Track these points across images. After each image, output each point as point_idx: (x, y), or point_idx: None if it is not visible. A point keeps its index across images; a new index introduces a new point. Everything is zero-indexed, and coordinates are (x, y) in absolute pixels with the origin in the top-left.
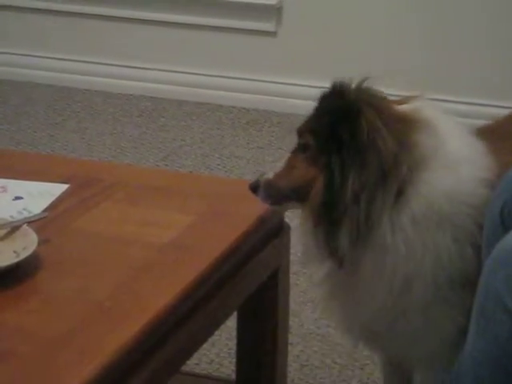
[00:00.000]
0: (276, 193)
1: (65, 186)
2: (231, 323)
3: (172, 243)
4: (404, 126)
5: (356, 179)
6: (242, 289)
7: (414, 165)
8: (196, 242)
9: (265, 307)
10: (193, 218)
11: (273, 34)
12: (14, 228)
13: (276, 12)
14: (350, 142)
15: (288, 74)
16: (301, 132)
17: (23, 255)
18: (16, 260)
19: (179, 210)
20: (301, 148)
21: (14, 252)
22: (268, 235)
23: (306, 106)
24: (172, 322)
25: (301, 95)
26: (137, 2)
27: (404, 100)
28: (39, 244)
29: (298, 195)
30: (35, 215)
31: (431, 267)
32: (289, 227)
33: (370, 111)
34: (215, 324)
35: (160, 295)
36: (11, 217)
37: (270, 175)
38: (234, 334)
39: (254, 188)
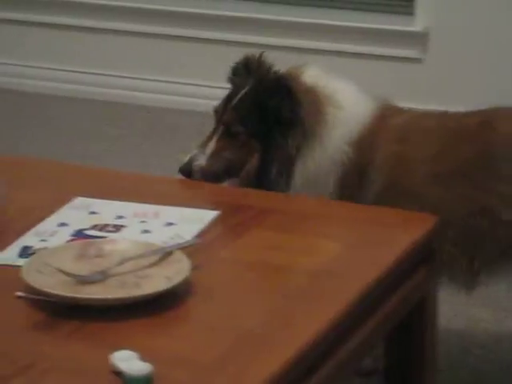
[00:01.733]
0: (211, 176)
1: (215, 213)
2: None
3: (322, 270)
4: (313, 98)
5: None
6: (391, 316)
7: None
8: (346, 269)
9: (412, 335)
10: (342, 245)
11: (419, 60)
12: (166, 254)
13: (422, 38)
14: (279, 118)
15: (435, 101)
16: (229, 121)
17: (176, 281)
18: (169, 285)
19: (329, 237)
20: (229, 134)
21: (167, 277)
22: (417, 262)
23: None
24: (322, 350)
25: None
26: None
27: (296, 70)
28: (191, 270)
29: (231, 175)
30: (188, 241)
31: None
32: (437, 254)
33: (295, 86)
34: (363, 351)
35: (311, 322)
36: (163, 242)
37: (202, 161)
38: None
39: (187, 173)
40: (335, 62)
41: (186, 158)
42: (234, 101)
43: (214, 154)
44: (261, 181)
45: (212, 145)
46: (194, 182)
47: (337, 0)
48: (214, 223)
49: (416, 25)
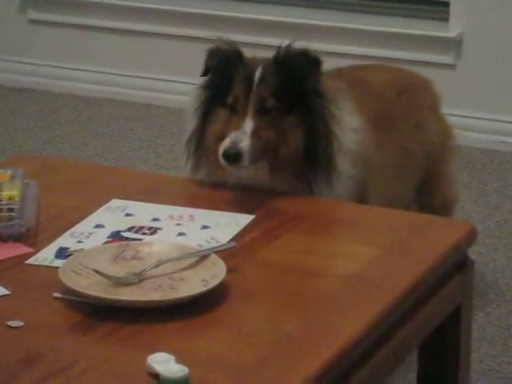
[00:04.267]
0: (257, 155)
1: (250, 217)
2: (410, 355)
3: (356, 275)
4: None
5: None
6: (425, 324)
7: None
8: (380, 275)
9: (446, 343)
10: (376, 251)
11: (452, 66)
12: (202, 257)
13: (456, 44)
14: (314, 92)
15: (468, 107)
16: (261, 97)
17: (212, 284)
18: (205, 288)
19: (362, 242)
20: (264, 111)
21: (203, 280)
22: (452, 270)
23: (486, 140)
24: (357, 355)
25: (481, 129)
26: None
27: None
28: (226, 273)
29: (271, 153)
30: (223, 245)
31: None
32: (472, 262)
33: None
34: (399, 358)
35: (346, 327)
36: (199, 245)
37: (245, 142)
38: (413, 366)
39: (237, 157)
40: None
41: (227, 142)
42: (257, 77)
43: (255, 133)
44: (310, 154)
45: (249, 124)
46: (227, 186)
47: (371, 5)
48: (249, 227)
49: (450, 31)
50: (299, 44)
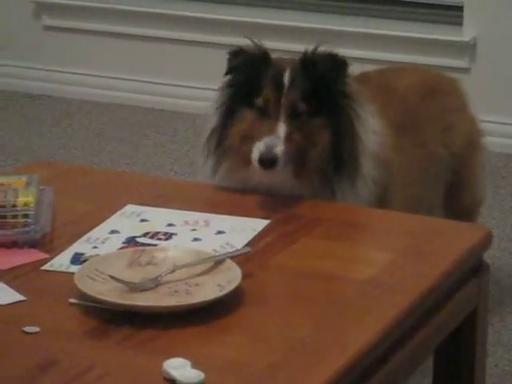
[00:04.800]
0: (289, 159)
1: (266, 222)
2: (426, 360)
3: (373, 280)
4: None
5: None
6: (441, 328)
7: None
8: (396, 279)
9: (462, 347)
10: (392, 256)
11: (467, 70)
12: (217, 262)
13: (470, 48)
14: (342, 94)
15: (482, 111)
16: (293, 102)
17: (227, 289)
18: (221, 294)
19: (379, 247)
20: (294, 115)
21: (219, 285)
22: (467, 274)
23: (501, 144)
24: (372, 361)
25: (496, 132)
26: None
27: None
28: (242, 278)
29: (302, 157)
30: (239, 250)
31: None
32: (488, 266)
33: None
34: (414, 363)
35: (361, 332)
36: (214, 251)
37: (280, 147)
38: (428, 372)
39: (273, 161)
40: None
41: (262, 147)
42: (286, 80)
43: (288, 138)
44: (336, 156)
45: (282, 128)
46: (241, 191)
47: (385, 10)
48: (265, 232)
49: (464, 35)
50: (322, 48)
